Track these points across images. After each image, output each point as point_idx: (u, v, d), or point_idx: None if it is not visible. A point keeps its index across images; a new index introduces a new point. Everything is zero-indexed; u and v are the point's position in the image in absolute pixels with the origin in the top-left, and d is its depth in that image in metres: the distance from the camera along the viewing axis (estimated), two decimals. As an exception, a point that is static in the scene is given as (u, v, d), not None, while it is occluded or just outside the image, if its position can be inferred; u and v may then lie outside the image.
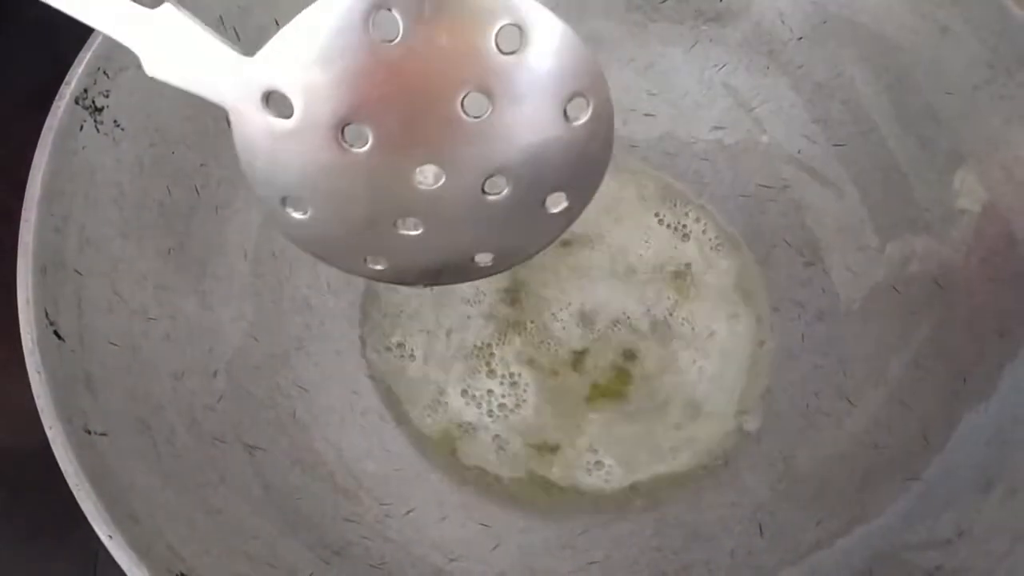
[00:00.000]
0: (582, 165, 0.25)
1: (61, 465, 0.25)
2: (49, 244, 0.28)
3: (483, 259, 0.27)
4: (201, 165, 0.34)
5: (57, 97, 0.29)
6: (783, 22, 0.38)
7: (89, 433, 0.26)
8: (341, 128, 0.23)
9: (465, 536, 0.33)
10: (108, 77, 0.31)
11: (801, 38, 0.38)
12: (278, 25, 0.34)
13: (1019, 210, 0.33)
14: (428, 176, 0.25)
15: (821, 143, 0.38)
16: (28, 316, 0.27)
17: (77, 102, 0.30)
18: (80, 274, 0.29)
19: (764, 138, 0.39)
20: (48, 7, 0.22)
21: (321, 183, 0.24)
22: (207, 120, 0.34)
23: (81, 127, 0.30)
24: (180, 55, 0.22)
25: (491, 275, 0.28)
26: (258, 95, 0.22)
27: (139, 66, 0.31)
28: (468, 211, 0.25)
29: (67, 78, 0.30)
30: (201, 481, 0.29)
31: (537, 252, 0.28)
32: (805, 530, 0.32)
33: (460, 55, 0.22)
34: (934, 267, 0.35)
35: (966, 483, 0.30)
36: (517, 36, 0.22)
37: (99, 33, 0.30)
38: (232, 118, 0.23)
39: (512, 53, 0.22)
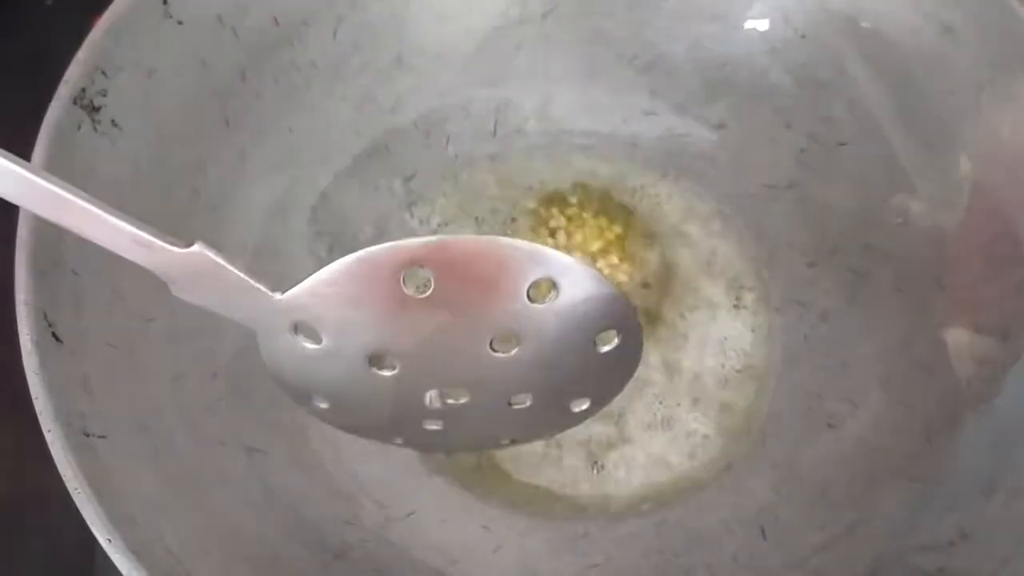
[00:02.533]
0: (608, 379, 0.27)
1: (60, 468, 0.25)
2: (47, 245, 0.28)
3: (503, 441, 0.30)
4: (199, 164, 0.34)
5: (54, 97, 0.29)
6: (786, 20, 0.38)
7: (88, 436, 0.26)
8: (367, 356, 0.24)
9: (466, 539, 0.33)
10: (106, 77, 0.30)
11: (804, 36, 0.38)
12: (277, 24, 0.35)
13: (1023, 211, 0.33)
14: (454, 395, 0.27)
15: (824, 142, 0.38)
16: (26, 318, 0.27)
17: (75, 102, 0.29)
18: (78, 275, 0.29)
19: (768, 137, 0.39)
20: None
21: (347, 395, 0.25)
22: (205, 120, 0.34)
23: (79, 127, 0.30)
24: (210, 288, 0.24)
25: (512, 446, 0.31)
26: (287, 325, 0.24)
27: (137, 64, 0.31)
28: (491, 417, 0.27)
29: (64, 78, 0.30)
30: (200, 484, 0.29)
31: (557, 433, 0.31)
32: (808, 532, 0.32)
33: (491, 308, 0.23)
34: (938, 267, 0.35)
35: (969, 486, 0.30)
36: (548, 287, 0.23)
37: (97, 31, 0.30)
38: (260, 339, 0.24)
39: (543, 302, 0.23)
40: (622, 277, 0.39)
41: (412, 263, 0.23)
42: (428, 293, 0.23)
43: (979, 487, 0.30)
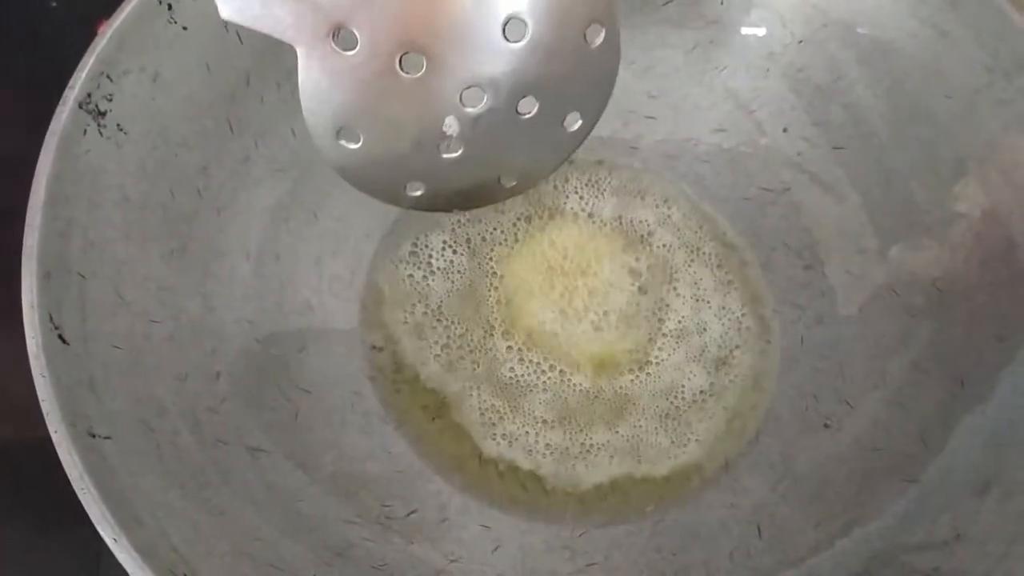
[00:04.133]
0: (595, 84, 0.29)
1: (66, 469, 0.25)
2: (53, 248, 0.28)
3: (508, 181, 0.31)
4: (204, 167, 0.34)
5: (61, 101, 0.30)
6: (784, 25, 0.38)
7: (93, 436, 0.27)
8: (399, 57, 0.26)
9: (466, 538, 0.33)
10: (111, 81, 0.31)
11: (801, 41, 0.38)
12: None
13: (1018, 214, 0.33)
14: (472, 99, 0.28)
15: (821, 146, 0.38)
16: (32, 320, 0.27)
17: (80, 106, 0.30)
18: (84, 277, 0.29)
19: (764, 141, 0.39)
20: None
21: (377, 109, 0.26)
22: (209, 124, 0.34)
23: (85, 131, 0.30)
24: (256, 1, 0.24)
25: (514, 196, 0.32)
26: (326, 31, 0.25)
27: (142, 69, 0.32)
28: (503, 130, 0.29)
29: (71, 82, 0.30)
30: (204, 483, 0.30)
31: (552, 171, 0.32)
32: (804, 532, 0.32)
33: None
34: (933, 271, 0.35)
35: (963, 486, 0.30)
36: None
37: (103, 36, 0.31)
38: (301, 55, 0.25)
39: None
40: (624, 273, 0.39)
41: None
42: None
43: (973, 487, 0.30)
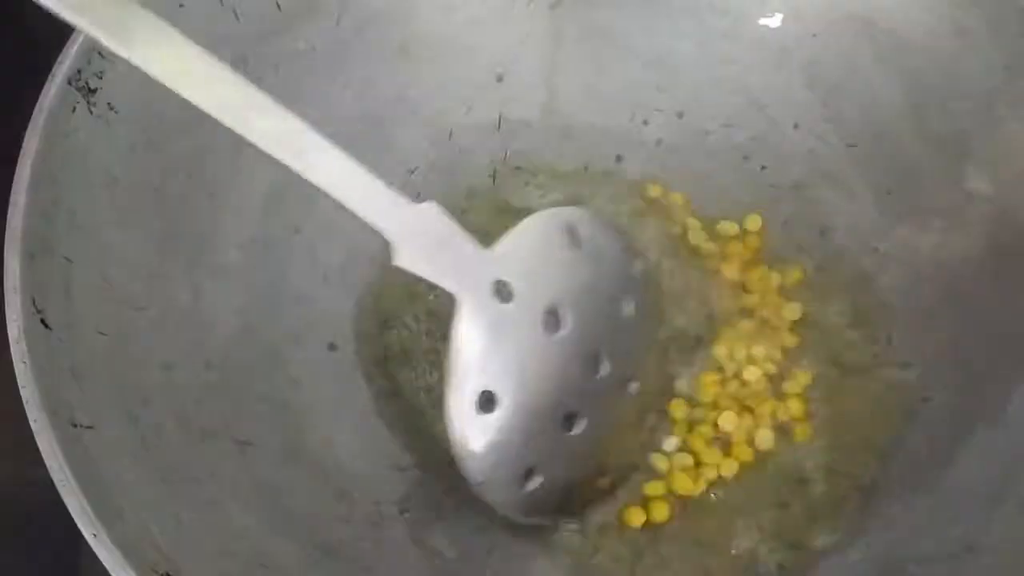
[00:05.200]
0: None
1: (46, 459, 0.24)
2: (38, 230, 0.27)
3: (605, 479, 0.32)
4: (195, 151, 0.33)
5: (49, 77, 0.29)
6: (798, 19, 0.38)
7: (75, 426, 0.26)
8: (546, 313, 0.28)
9: (461, 539, 0.32)
10: (103, 58, 0.30)
11: (816, 35, 0.37)
12: (279, 8, 0.34)
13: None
14: (595, 366, 0.30)
15: (834, 143, 0.38)
16: (15, 304, 0.26)
17: (70, 83, 0.29)
18: (69, 261, 0.28)
19: (775, 136, 0.39)
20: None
21: (521, 367, 0.28)
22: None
23: (73, 109, 0.29)
24: (432, 248, 0.26)
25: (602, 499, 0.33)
26: (490, 283, 0.27)
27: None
28: (617, 404, 0.32)
29: (60, 58, 0.29)
30: (189, 477, 0.29)
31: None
32: (812, 540, 0.31)
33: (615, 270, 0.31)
34: (947, 272, 0.34)
35: (975, 497, 0.30)
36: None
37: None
38: (465, 304, 0.26)
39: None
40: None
41: (570, 225, 0.29)
42: (580, 249, 0.29)
43: (985, 499, 0.29)
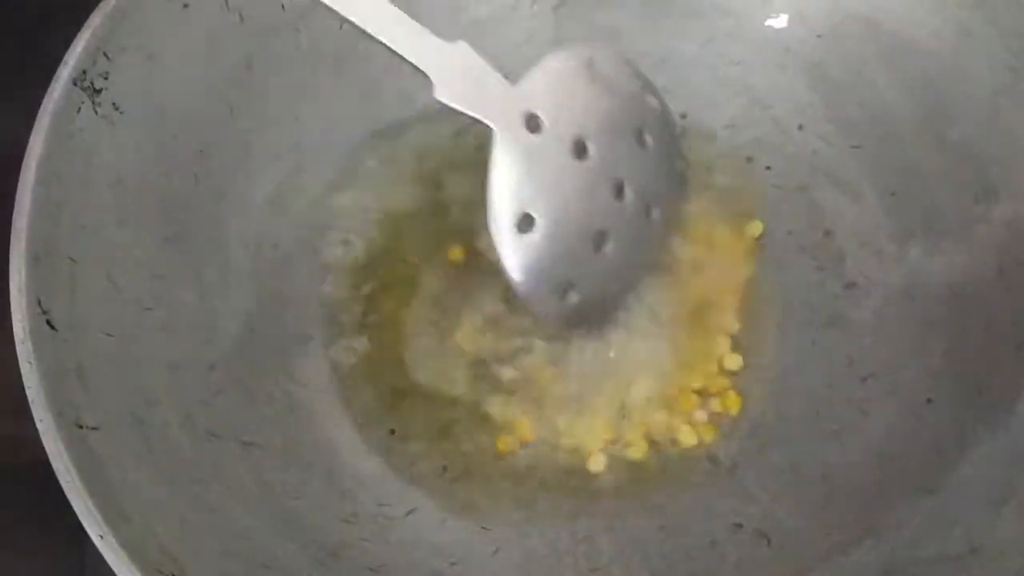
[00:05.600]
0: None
1: (52, 461, 0.24)
2: (43, 230, 0.28)
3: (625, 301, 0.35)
4: (201, 151, 0.33)
5: (54, 78, 0.29)
6: (802, 19, 0.37)
7: (81, 427, 0.26)
8: (573, 142, 0.31)
9: (466, 540, 0.32)
10: (108, 58, 0.30)
11: (820, 36, 0.37)
12: (284, 9, 0.34)
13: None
14: (624, 195, 0.33)
15: (838, 144, 0.37)
16: (20, 305, 0.26)
17: (75, 83, 0.29)
18: (74, 261, 0.28)
19: (779, 137, 0.38)
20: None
21: (554, 192, 0.30)
22: (208, 106, 0.33)
23: (79, 109, 0.29)
24: (467, 83, 0.29)
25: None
26: (521, 116, 0.30)
27: (140, 47, 0.31)
28: (641, 227, 0.34)
29: (65, 58, 0.29)
30: (194, 478, 0.29)
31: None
32: (813, 542, 0.31)
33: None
34: (951, 275, 0.34)
35: (979, 498, 0.29)
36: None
37: (100, 13, 0.30)
38: (499, 135, 0.29)
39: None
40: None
41: (589, 60, 0.31)
42: (600, 83, 0.32)
43: (990, 500, 0.29)
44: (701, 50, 0.39)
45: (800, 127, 0.38)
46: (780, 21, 0.38)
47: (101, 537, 0.24)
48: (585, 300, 0.32)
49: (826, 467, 0.33)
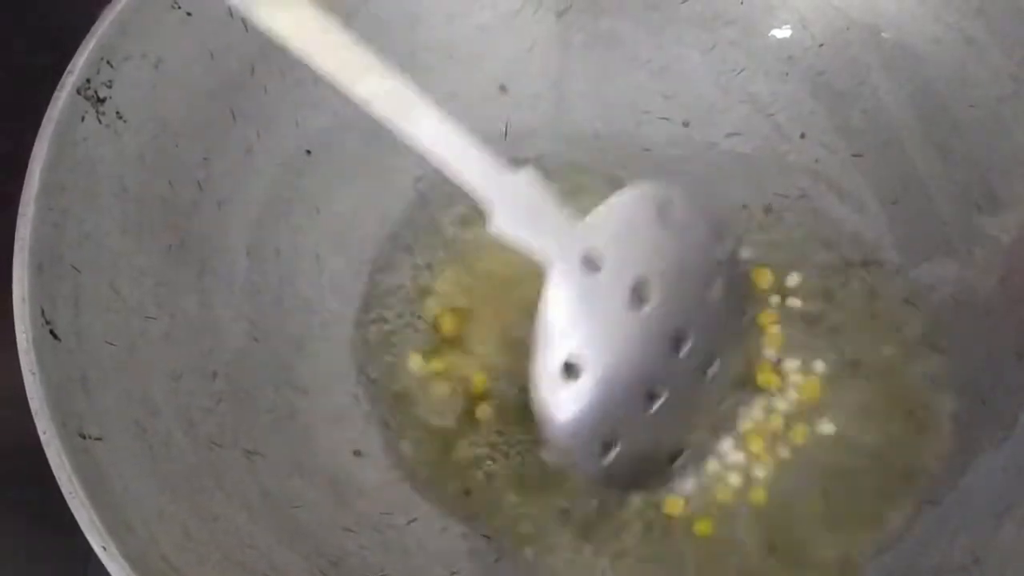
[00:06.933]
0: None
1: (55, 472, 0.24)
2: (46, 240, 0.28)
3: (679, 460, 0.32)
4: (204, 159, 0.33)
5: (58, 87, 0.29)
6: (805, 28, 0.37)
7: (84, 437, 0.26)
8: (633, 287, 0.28)
9: (467, 548, 0.32)
10: (112, 67, 0.30)
11: (823, 44, 0.37)
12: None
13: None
14: (682, 348, 0.30)
15: (840, 152, 0.37)
16: (24, 315, 0.26)
17: (79, 92, 0.29)
18: (78, 271, 0.28)
19: (781, 146, 0.38)
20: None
21: (606, 337, 0.28)
22: (212, 113, 0.33)
23: (82, 118, 0.29)
24: (527, 214, 0.27)
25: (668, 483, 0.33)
26: (579, 254, 0.27)
27: (144, 55, 0.31)
28: (697, 385, 0.32)
29: (69, 67, 0.29)
30: (197, 487, 0.29)
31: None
32: (816, 550, 0.31)
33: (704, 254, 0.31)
34: (953, 284, 0.34)
35: (983, 509, 0.29)
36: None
37: (104, 21, 0.30)
38: (555, 273, 0.27)
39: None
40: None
41: (662, 202, 0.29)
42: (670, 228, 0.29)
43: (993, 510, 0.29)
44: (704, 58, 0.39)
45: (802, 135, 0.38)
46: (784, 30, 0.38)
47: (104, 548, 0.24)
48: (627, 457, 0.30)
49: (828, 475, 0.33)
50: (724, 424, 0.33)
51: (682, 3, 0.38)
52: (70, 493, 0.24)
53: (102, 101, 0.30)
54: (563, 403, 0.28)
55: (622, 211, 0.28)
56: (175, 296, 0.31)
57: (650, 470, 0.32)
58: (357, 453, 0.33)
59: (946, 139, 0.35)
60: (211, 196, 0.33)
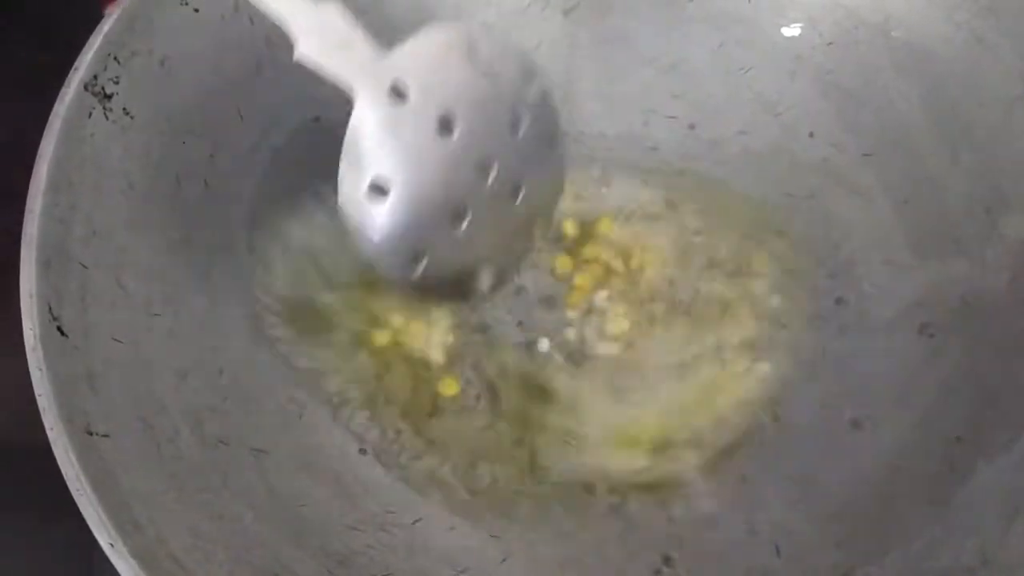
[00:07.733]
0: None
1: (62, 469, 0.24)
2: (54, 235, 0.28)
3: (486, 279, 0.33)
4: (211, 156, 0.33)
5: (65, 83, 0.29)
6: (813, 26, 0.37)
7: (91, 435, 0.26)
8: (439, 117, 0.28)
9: (474, 547, 0.32)
10: (119, 63, 0.30)
11: (831, 43, 0.37)
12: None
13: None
14: (484, 175, 0.30)
15: (849, 152, 0.37)
16: (31, 311, 0.26)
17: (86, 88, 0.29)
18: (85, 267, 0.28)
19: (790, 145, 0.38)
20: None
21: (411, 162, 0.28)
22: (218, 111, 0.33)
23: (89, 114, 0.29)
24: (332, 45, 0.27)
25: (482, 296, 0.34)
26: (386, 84, 0.27)
27: (151, 52, 0.31)
28: (500, 213, 0.32)
29: (76, 63, 0.29)
30: (204, 485, 0.29)
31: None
32: (824, 552, 0.31)
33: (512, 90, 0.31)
34: (963, 284, 0.34)
35: (992, 510, 0.29)
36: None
37: (111, 17, 0.30)
38: (358, 100, 0.27)
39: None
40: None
41: (471, 41, 0.29)
42: (479, 66, 0.29)
43: (1002, 513, 0.29)
44: (712, 56, 0.39)
45: (811, 134, 0.38)
46: (793, 29, 0.38)
47: (112, 545, 0.24)
48: (435, 270, 0.31)
49: (837, 478, 0.33)
50: (529, 246, 0.35)
51: (690, 1, 0.38)
52: (77, 490, 0.24)
53: (109, 97, 0.30)
54: (370, 218, 0.28)
55: (429, 46, 0.29)
56: (181, 293, 0.31)
57: (459, 284, 0.33)
58: (363, 451, 0.33)
59: (956, 138, 0.35)
60: (217, 193, 0.33)
